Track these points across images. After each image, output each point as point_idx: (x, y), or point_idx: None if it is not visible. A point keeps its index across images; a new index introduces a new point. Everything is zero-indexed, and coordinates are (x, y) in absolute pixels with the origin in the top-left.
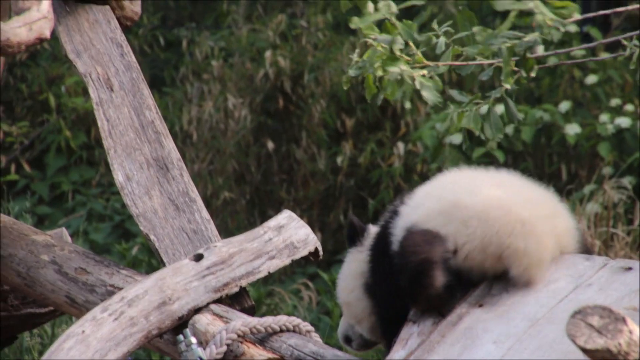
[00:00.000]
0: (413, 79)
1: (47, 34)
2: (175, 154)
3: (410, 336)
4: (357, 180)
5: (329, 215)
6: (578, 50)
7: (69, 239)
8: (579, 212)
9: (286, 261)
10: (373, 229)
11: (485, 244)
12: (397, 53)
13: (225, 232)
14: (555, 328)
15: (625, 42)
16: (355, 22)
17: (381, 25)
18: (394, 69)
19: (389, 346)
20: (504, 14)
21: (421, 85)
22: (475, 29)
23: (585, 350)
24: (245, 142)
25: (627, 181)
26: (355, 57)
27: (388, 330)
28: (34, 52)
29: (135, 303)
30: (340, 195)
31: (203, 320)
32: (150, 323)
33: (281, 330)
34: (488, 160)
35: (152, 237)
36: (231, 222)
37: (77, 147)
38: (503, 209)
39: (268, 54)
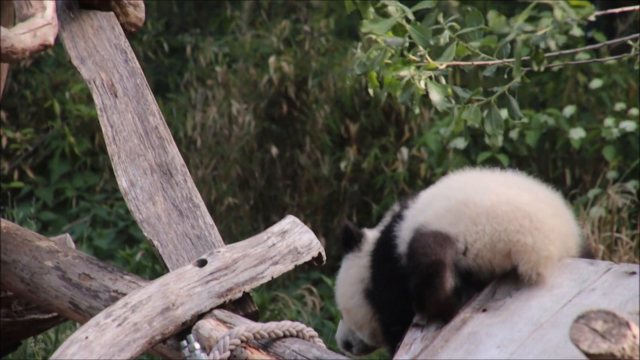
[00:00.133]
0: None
1: (51, 40)
2: (179, 160)
3: (413, 341)
4: (361, 185)
5: (333, 220)
6: (582, 54)
7: (72, 244)
8: (583, 216)
9: (290, 266)
10: (370, 234)
11: (495, 240)
12: (410, 57)
13: (229, 237)
14: (559, 332)
15: (631, 43)
16: (366, 26)
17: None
18: (405, 73)
19: (392, 351)
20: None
21: (430, 90)
22: (490, 14)
23: (589, 355)
24: (249, 147)
25: (632, 186)
26: (358, 52)
27: (391, 335)
28: (38, 59)
29: (138, 309)
30: (344, 200)
31: (207, 326)
32: (154, 329)
33: (285, 336)
34: (492, 165)
35: (155, 242)
36: (235, 228)
37: (81, 153)
38: (511, 206)
39: (272, 59)
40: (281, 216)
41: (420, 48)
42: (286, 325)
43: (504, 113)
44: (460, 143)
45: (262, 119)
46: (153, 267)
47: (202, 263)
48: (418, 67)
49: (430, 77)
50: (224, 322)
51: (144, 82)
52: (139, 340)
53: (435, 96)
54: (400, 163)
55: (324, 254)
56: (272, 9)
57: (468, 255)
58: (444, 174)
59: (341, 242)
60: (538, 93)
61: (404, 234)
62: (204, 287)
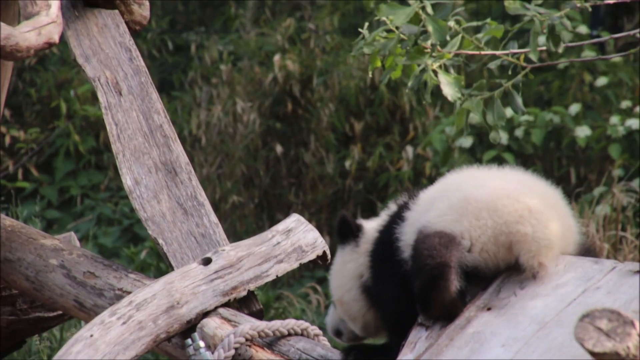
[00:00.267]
0: (436, 73)
1: (56, 38)
2: (183, 158)
3: (418, 340)
4: (366, 184)
5: None
6: (588, 52)
7: (77, 243)
8: (588, 214)
9: (294, 265)
10: (367, 227)
11: (497, 233)
12: (424, 45)
13: (234, 236)
14: (564, 331)
15: (639, 35)
16: (383, 12)
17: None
18: (419, 61)
19: (396, 349)
20: (514, 17)
21: (441, 80)
22: (506, 2)
23: (593, 354)
24: (253, 146)
25: (637, 184)
26: (365, 32)
27: (395, 333)
28: (43, 57)
29: (143, 307)
30: (348, 199)
31: (211, 324)
32: (159, 327)
33: (289, 334)
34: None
35: (160, 241)
36: (239, 226)
37: (86, 151)
38: (510, 198)
39: (277, 57)
40: (286, 214)
41: (432, 38)
42: (291, 323)
43: (508, 111)
44: (466, 142)
45: (267, 117)
46: (158, 265)
47: (207, 261)
48: (431, 57)
49: (440, 67)
50: (228, 321)
51: (148, 80)
52: (144, 338)
53: (447, 86)
54: (405, 162)
55: (328, 252)
56: (277, 6)
57: (474, 251)
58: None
59: (337, 233)
60: (543, 91)
61: (408, 237)
62: (208, 286)
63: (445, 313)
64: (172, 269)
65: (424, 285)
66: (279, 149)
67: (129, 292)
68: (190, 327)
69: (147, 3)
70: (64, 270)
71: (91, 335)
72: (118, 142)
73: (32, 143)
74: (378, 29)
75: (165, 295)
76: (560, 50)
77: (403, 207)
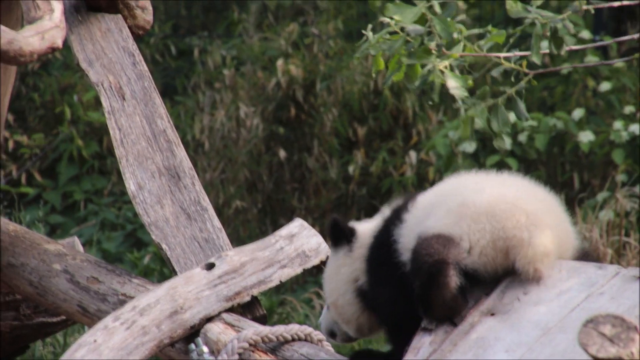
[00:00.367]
0: (443, 73)
1: (59, 43)
2: (186, 163)
3: (422, 345)
4: (369, 189)
5: None
6: (591, 56)
7: (80, 248)
8: (591, 220)
9: (298, 270)
10: (360, 228)
11: (495, 238)
12: (430, 45)
13: (237, 241)
14: (567, 337)
15: None
16: (391, 11)
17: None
18: (427, 62)
19: (399, 354)
20: (517, 23)
21: (448, 80)
22: (507, 2)
23: None
24: (257, 150)
25: None
26: (369, 34)
27: (396, 337)
28: (46, 61)
29: (147, 312)
30: (352, 204)
31: (215, 329)
32: (162, 332)
33: (293, 339)
34: (502, 169)
35: (163, 246)
36: (243, 231)
37: (89, 156)
38: (508, 203)
39: (280, 62)
40: (289, 219)
41: (438, 38)
42: (294, 328)
43: (512, 116)
44: (469, 147)
45: (270, 122)
46: (161, 270)
47: (210, 266)
48: (438, 57)
49: (446, 67)
50: (232, 326)
51: (151, 85)
52: (147, 343)
53: (454, 85)
54: (408, 167)
55: None
56: (280, 11)
57: (473, 254)
58: None
59: (329, 237)
60: (547, 97)
61: (407, 240)
62: (212, 291)
63: (447, 311)
64: (176, 274)
65: (423, 285)
66: (282, 153)
67: (133, 297)
68: (193, 332)
69: (150, 8)
70: (68, 275)
71: (95, 341)
72: (121, 146)
73: (35, 148)
74: (382, 31)
75: (168, 300)
76: (562, 52)
77: (399, 210)
